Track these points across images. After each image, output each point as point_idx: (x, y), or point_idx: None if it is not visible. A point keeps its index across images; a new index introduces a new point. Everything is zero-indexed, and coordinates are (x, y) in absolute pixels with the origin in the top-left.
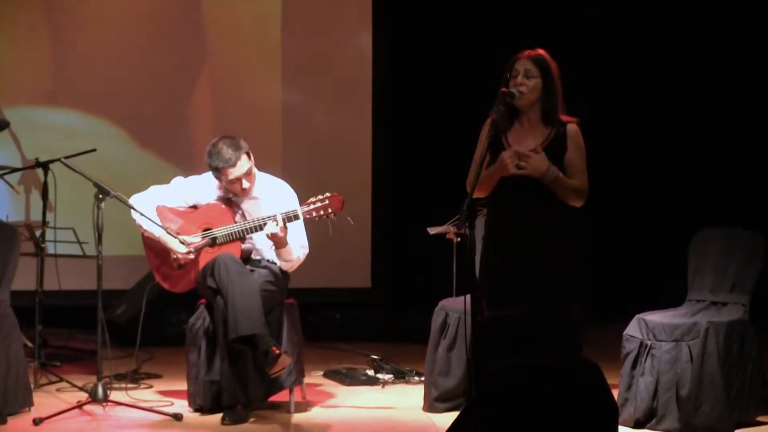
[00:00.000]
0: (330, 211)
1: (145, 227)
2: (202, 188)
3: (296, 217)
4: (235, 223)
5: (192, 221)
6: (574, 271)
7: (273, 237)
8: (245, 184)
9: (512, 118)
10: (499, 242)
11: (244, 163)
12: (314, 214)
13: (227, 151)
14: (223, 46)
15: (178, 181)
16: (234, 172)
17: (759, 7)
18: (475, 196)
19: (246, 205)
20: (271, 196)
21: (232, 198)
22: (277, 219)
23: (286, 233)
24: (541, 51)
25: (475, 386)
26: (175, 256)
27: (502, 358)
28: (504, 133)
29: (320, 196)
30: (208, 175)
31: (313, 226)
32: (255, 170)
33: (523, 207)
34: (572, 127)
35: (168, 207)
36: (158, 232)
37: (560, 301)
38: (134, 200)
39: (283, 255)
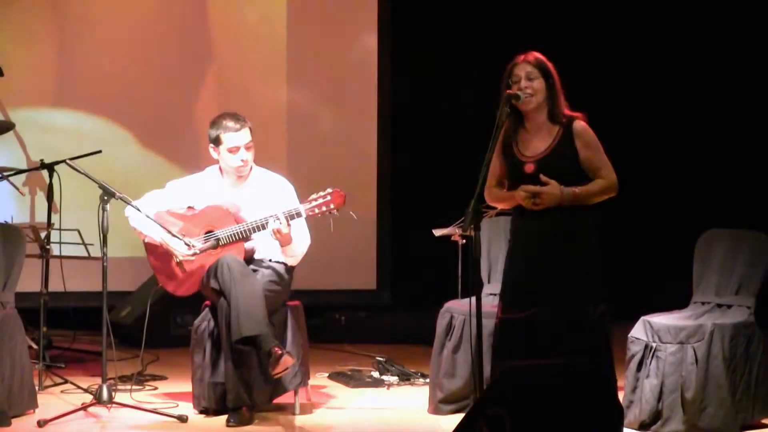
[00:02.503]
0: (332, 207)
1: (145, 233)
2: (199, 186)
3: (299, 215)
4: (239, 222)
5: (193, 224)
6: (592, 274)
7: (279, 236)
8: (244, 154)
9: (517, 124)
10: (519, 244)
11: (246, 134)
12: (316, 210)
13: (231, 120)
14: (228, 48)
15: (173, 184)
16: (235, 138)
17: (761, 8)
18: (499, 207)
19: (244, 196)
20: (270, 190)
21: (230, 188)
22: (280, 217)
23: (290, 231)
24: (536, 53)
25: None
26: (178, 260)
27: (517, 360)
28: (514, 140)
29: (321, 193)
30: (203, 173)
31: (319, 227)
32: (253, 164)
33: (544, 210)
34: (579, 124)
35: (166, 212)
36: (159, 237)
37: (575, 305)
38: (131, 210)
39: (287, 251)
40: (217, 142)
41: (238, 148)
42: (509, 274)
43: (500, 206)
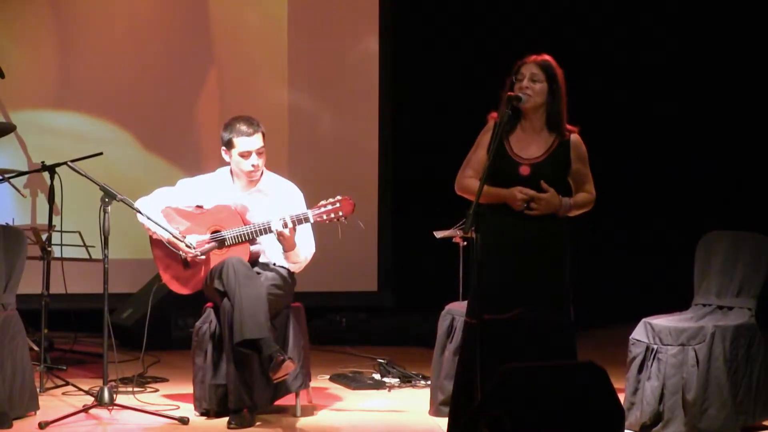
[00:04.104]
0: (341, 214)
1: (152, 229)
2: (209, 186)
3: (306, 220)
4: (246, 224)
5: (201, 223)
6: (570, 276)
7: (282, 239)
8: (255, 159)
9: (515, 122)
10: (498, 246)
11: (258, 139)
12: (324, 217)
13: (245, 124)
14: (230, 50)
15: (184, 182)
16: (248, 143)
17: (761, 7)
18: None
19: (253, 200)
20: (280, 196)
21: (240, 192)
22: (287, 221)
23: (294, 235)
24: (547, 56)
25: (461, 388)
26: (183, 255)
27: (499, 362)
28: (506, 137)
29: (331, 200)
30: (214, 174)
31: (320, 229)
32: (264, 168)
33: (522, 212)
34: (575, 138)
35: (175, 208)
36: (165, 235)
37: (559, 306)
38: (140, 203)
39: (291, 257)
40: (229, 145)
41: (249, 153)
42: (491, 275)
43: (473, 199)
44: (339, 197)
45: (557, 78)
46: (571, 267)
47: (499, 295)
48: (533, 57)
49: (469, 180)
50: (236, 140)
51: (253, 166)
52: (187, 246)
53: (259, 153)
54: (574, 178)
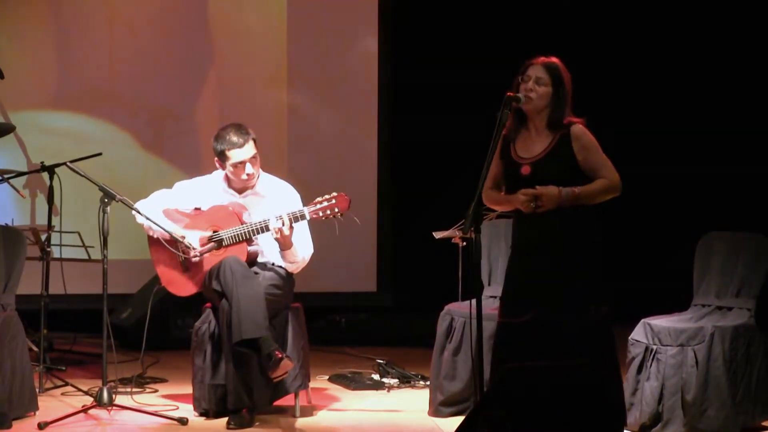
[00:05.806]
0: (337, 210)
1: (153, 229)
2: (205, 189)
3: (303, 217)
4: (243, 223)
5: (198, 224)
6: (592, 275)
7: (279, 237)
8: (249, 168)
9: (519, 125)
10: (520, 248)
11: (250, 148)
12: (321, 213)
13: (235, 134)
14: (229, 51)
15: (181, 184)
16: (240, 154)
17: (761, 8)
18: (499, 210)
19: (250, 202)
20: (276, 197)
21: (236, 195)
22: (284, 218)
23: (292, 233)
24: (554, 59)
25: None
26: (181, 259)
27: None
28: (513, 141)
29: (327, 196)
30: (211, 176)
31: (319, 229)
32: (260, 170)
33: (542, 213)
34: (576, 128)
35: (173, 210)
36: (168, 231)
37: (576, 307)
38: (138, 206)
39: (288, 257)
40: (222, 156)
41: (243, 164)
42: (509, 279)
43: (497, 209)
44: (335, 194)
45: (563, 82)
46: (602, 263)
47: (514, 299)
48: (541, 59)
49: (489, 191)
50: (228, 153)
51: (247, 175)
52: (187, 246)
53: (252, 161)
54: (586, 168)
